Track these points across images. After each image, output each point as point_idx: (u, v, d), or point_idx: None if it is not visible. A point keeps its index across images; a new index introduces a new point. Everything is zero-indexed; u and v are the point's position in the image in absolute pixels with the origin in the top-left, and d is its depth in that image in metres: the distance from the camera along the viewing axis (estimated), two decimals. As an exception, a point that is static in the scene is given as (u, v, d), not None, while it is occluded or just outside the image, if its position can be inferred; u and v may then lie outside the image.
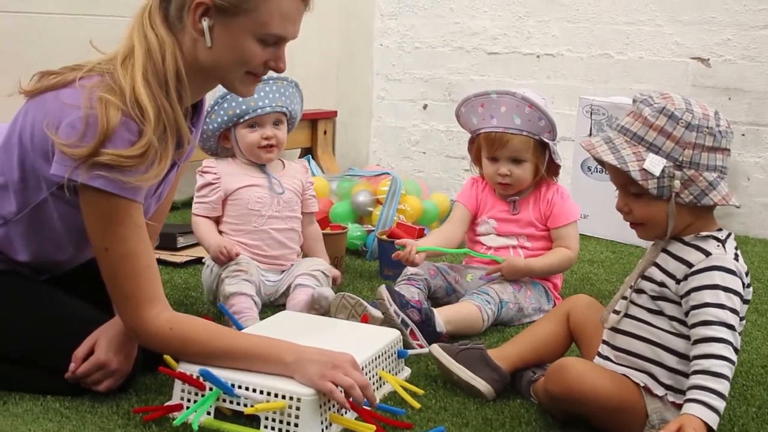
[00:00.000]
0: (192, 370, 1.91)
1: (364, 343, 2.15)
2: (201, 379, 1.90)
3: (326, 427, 1.87)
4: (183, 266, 3.33)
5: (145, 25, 1.96)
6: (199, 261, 3.33)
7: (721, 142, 1.84)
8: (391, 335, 2.24)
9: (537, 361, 2.20)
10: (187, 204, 4.39)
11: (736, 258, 1.89)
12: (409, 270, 2.90)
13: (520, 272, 2.80)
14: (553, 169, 2.90)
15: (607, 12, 4.63)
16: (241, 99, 2.66)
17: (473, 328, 2.64)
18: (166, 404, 1.94)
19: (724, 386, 1.77)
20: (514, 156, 2.84)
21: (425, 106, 5.24)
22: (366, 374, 2.04)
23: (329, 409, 1.89)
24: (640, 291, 1.96)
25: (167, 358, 1.98)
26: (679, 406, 1.83)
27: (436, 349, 2.24)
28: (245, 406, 1.86)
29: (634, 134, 1.87)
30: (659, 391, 1.90)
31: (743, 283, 1.87)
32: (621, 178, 1.89)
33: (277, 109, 2.78)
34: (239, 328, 2.26)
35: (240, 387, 1.87)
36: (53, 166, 1.89)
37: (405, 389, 2.10)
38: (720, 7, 4.35)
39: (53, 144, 1.87)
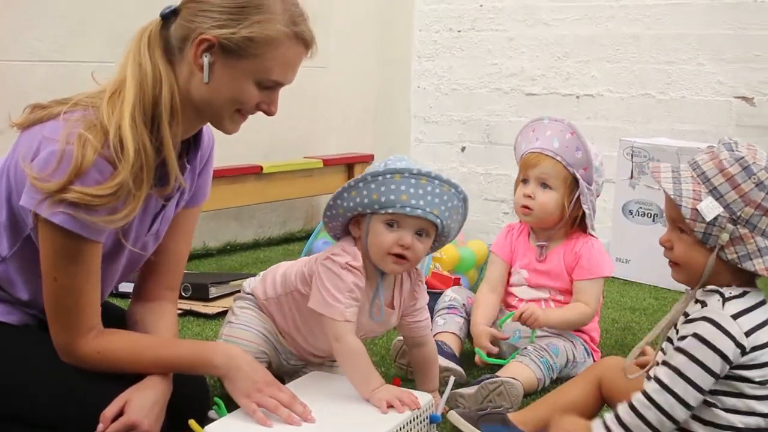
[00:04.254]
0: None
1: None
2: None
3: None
4: (214, 318, 3.26)
5: (142, 52, 1.94)
6: (230, 313, 3.26)
7: None
8: (423, 399, 2.14)
9: None
10: (222, 251, 4.51)
11: (738, 316, 1.77)
12: (447, 296, 2.89)
13: (539, 321, 2.67)
14: (581, 217, 2.80)
15: (648, 51, 4.61)
16: (392, 186, 2.13)
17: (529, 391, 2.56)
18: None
19: (630, 416, 1.80)
20: (543, 179, 2.78)
21: (463, 149, 5.23)
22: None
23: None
24: (669, 340, 1.89)
25: (192, 423, 1.94)
26: None
27: (454, 416, 2.18)
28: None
29: (702, 172, 1.79)
30: None
31: (737, 344, 1.75)
32: (673, 210, 1.82)
33: (429, 216, 2.13)
34: None
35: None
36: (22, 198, 1.88)
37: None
38: (763, 45, 4.30)
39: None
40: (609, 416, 1.84)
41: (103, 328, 2.02)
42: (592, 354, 2.79)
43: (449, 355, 2.60)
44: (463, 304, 2.83)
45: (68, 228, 1.85)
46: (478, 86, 5.12)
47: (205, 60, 1.91)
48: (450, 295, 2.88)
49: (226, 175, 4.31)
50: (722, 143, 1.82)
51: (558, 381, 2.63)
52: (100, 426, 1.92)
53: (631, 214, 4.09)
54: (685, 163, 1.86)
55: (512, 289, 2.89)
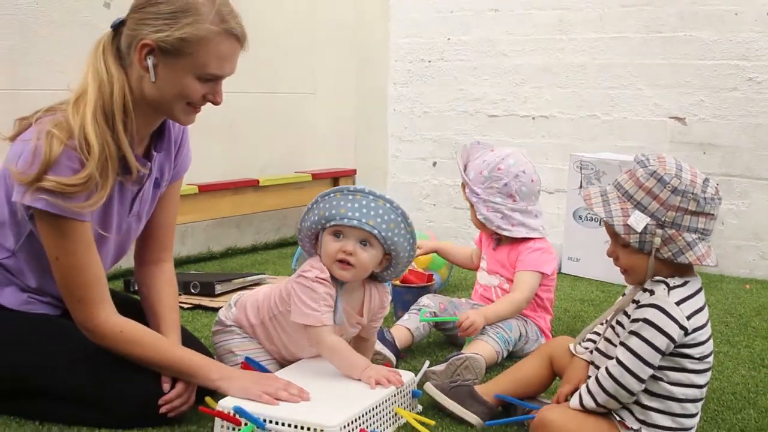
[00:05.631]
0: (228, 407, 1.98)
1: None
2: (236, 416, 1.96)
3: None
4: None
5: (98, 60, 2.00)
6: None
7: (704, 207, 1.82)
8: (407, 377, 2.23)
9: (521, 396, 2.22)
10: (224, 255, 4.46)
11: (681, 303, 1.85)
12: (422, 301, 2.90)
13: (480, 322, 2.67)
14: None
15: (594, 78, 4.63)
16: (334, 202, 2.20)
17: (490, 364, 2.64)
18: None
19: (594, 386, 1.90)
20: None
21: (434, 164, 5.22)
22: (383, 410, 2.10)
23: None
24: (620, 324, 1.95)
25: (208, 399, 2.05)
26: None
27: (429, 387, 2.26)
28: (275, 438, 1.91)
29: (625, 191, 1.86)
30: (634, 425, 1.90)
31: (681, 327, 1.83)
32: (610, 228, 1.89)
33: (365, 227, 2.17)
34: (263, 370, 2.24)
35: (271, 422, 1.94)
36: (14, 194, 1.96)
37: (418, 421, 2.13)
38: (694, 72, 4.36)
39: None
40: (582, 386, 1.94)
41: (116, 309, 2.06)
42: (544, 337, 2.87)
43: (389, 344, 2.63)
44: (434, 312, 2.84)
45: (51, 211, 1.91)
46: (446, 109, 5.11)
47: (149, 62, 1.97)
48: (424, 301, 2.89)
49: (227, 188, 4.38)
50: (636, 161, 1.88)
51: (514, 355, 2.73)
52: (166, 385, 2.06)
53: (581, 219, 4.16)
54: (610, 185, 1.92)
55: (477, 273, 3.05)
